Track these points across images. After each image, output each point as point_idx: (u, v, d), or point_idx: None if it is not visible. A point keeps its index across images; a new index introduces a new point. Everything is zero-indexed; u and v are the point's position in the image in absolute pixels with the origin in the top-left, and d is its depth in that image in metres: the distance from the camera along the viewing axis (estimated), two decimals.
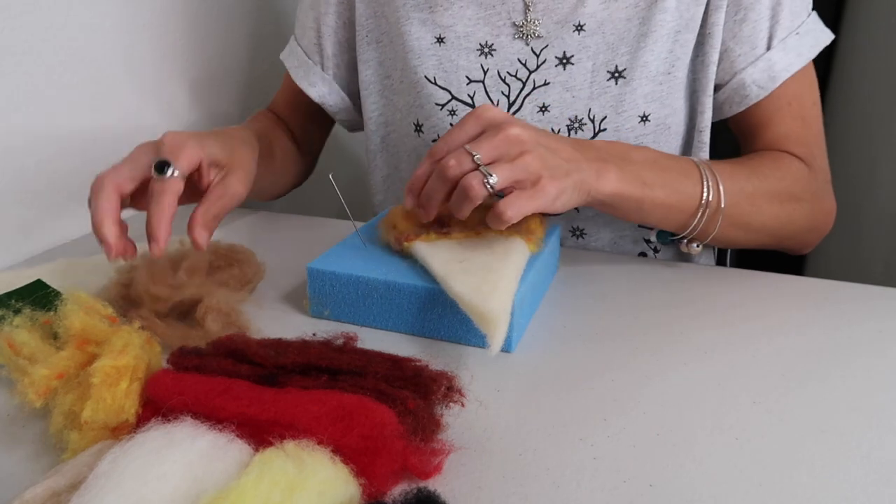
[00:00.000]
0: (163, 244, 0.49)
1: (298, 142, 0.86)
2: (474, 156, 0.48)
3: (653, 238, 0.69)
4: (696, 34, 0.66)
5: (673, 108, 0.67)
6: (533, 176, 0.49)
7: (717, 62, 0.66)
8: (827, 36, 0.68)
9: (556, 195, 0.50)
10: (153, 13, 0.82)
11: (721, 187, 0.59)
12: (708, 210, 0.59)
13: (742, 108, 0.68)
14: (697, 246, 0.63)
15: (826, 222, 0.69)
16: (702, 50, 0.67)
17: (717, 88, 0.69)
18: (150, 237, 0.49)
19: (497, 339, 0.44)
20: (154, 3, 0.82)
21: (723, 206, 0.59)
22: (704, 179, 0.59)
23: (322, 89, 0.80)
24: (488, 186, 0.47)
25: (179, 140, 0.51)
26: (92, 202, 0.49)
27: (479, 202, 0.48)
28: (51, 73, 0.69)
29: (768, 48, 0.65)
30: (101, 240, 0.49)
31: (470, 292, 0.46)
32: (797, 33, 0.65)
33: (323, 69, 0.80)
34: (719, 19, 0.65)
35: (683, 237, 0.63)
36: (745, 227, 0.62)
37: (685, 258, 0.77)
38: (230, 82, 0.99)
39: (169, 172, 0.50)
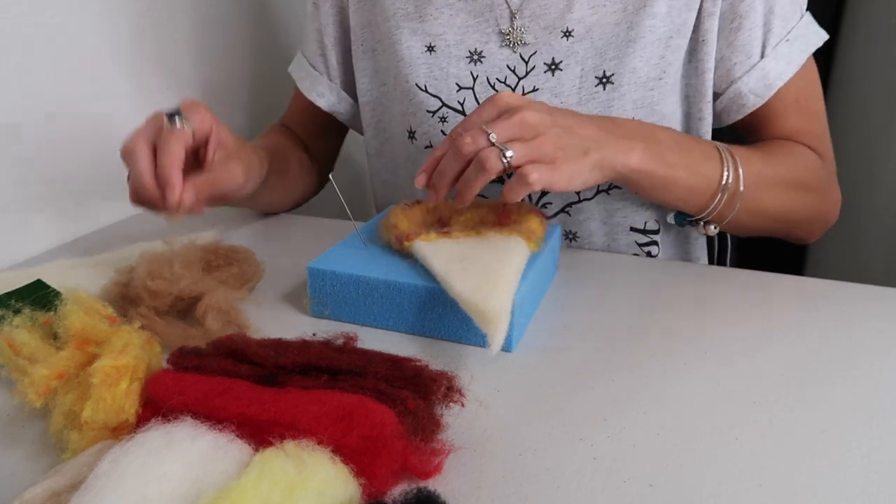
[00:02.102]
0: (178, 189, 0.51)
1: (312, 153, 0.86)
2: (489, 134, 0.49)
3: (670, 219, 0.69)
4: (688, 40, 0.66)
5: (664, 115, 0.67)
6: (548, 157, 0.50)
7: (713, 69, 0.66)
8: (819, 37, 0.67)
9: (571, 175, 0.51)
10: (157, 18, 0.82)
11: (741, 170, 0.59)
12: (727, 192, 0.59)
13: (741, 116, 0.68)
14: (714, 228, 0.63)
15: (833, 212, 0.70)
16: (695, 56, 0.66)
17: (715, 97, 0.68)
18: (164, 183, 0.51)
19: (497, 338, 0.44)
20: (158, 5, 0.82)
21: (741, 189, 0.59)
22: (725, 162, 0.59)
23: (331, 98, 0.81)
24: (504, 161, 0.48)
25: (196, 103, 0.54)
26: (131, 161, 0.52)
27: (494, 176, 0.49)
28: (51, 76, 0.69)
29: (762, 56, 0.65)
30: (168, 182, 0.51)
31: (470, 291, 0.46)
32: (787, 39, 0.65)
33: (330, 79, 0.81)
34: (713, 26, 0.64)
35: (700, 219, 0.63)
36: (758, 212, 0.63)
37: (684, 259, 0.77)
38: (236, 92, 0.99)
39: (178, 123, 0.52)
